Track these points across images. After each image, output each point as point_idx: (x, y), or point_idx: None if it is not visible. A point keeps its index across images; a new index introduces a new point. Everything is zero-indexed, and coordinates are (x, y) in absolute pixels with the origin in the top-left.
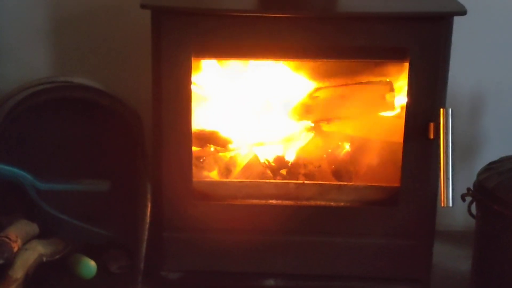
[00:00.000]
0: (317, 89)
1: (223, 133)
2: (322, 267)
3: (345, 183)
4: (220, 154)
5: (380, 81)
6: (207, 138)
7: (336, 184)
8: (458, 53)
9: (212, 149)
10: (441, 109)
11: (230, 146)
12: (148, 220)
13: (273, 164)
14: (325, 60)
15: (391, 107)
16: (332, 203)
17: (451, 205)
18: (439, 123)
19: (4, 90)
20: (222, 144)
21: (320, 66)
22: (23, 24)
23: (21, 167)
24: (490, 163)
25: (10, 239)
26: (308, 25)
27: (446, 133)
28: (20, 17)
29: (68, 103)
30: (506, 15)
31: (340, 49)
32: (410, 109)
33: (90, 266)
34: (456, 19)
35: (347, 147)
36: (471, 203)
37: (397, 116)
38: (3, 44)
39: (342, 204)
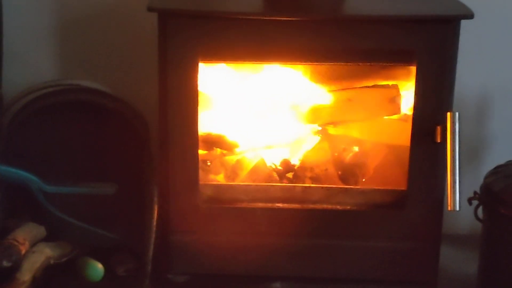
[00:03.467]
0: (323, 93)
1: (230, 136)
2: (328, 270)
3: (352, 186)
4: (227, 157)
5: (386, 84)
6: (214, 142)
7: (343, 188)
8: (465, 57)
9: (218, 152)
10: (448, 113)
11: (236, 149)
12: (154, 223)
13: (279, 167)
14: (331, 63)
15: (398, 110)
16: (338, 207)
17: (458, 209)
18: (446, 127)
19: (11, 93)
20: (228, 147)
21: (326, 69)
22: (29, 27)
23: (28, 170)
24: (497, 167)
25: (18, 241)
26: (315, 28)
27: (453, 137)
28: (26, 20)
29: (75, 106)
30: None
31: (346, 52)
32: (417, 112)
33: (97, 269)
34: (463, 22)
35: (353, 150)
36: (477, 206)
37: (404, 120)
38: (9, 47)
39: (349, 207)
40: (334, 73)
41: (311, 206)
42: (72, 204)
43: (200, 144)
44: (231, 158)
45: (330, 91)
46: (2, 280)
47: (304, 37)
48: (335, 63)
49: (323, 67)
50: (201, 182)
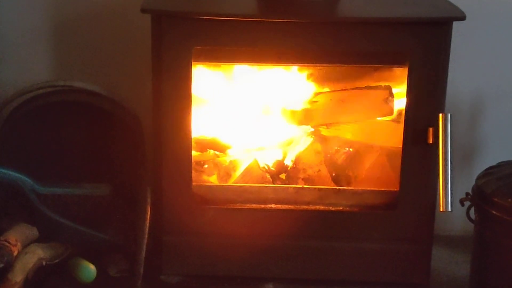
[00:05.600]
0: (316, 94)
1: (223, 139)
2: (321, 271)
3: (344, 187)
4: (220, 158)
5: (379, 86)
6: (207, 144)
7: (335, 189)
8: (457, 58)
9: (211, 153)
10: (440, 114)
11: (229, 151)
12: (147, 224)
13: (272, 168)
14: (325, 65)
15: (390, 112)
16: (331, 208)
17: (450, 210)
18: (438, 128)
19: (4, 94)
20: (221, 149)
21: (319, 71)
22: (23, 28)
23: (21, 171)
24: (488, 168)
25: (10, 243)
26: (308, 30)
27: (445, 138)
28: (20, 21)
29: (68, 107)
30: (505, 20)
31: (339, 54)
32: (409, 114)
33: (89, 270)
34: (455, 24)
35: (346, 151)
36: (469, 207)
37: (396, 121)
38: (2, 48)
39: (341, 208)
40: (327, 74)
41: (304, 207)
42: (64, 205)
43: (194, 145)
44: (224, 159)
45: (323, 92)
46: None
47: (298, 39)
48: (328, 65)
49: (316, 68)
50: (194, 183)
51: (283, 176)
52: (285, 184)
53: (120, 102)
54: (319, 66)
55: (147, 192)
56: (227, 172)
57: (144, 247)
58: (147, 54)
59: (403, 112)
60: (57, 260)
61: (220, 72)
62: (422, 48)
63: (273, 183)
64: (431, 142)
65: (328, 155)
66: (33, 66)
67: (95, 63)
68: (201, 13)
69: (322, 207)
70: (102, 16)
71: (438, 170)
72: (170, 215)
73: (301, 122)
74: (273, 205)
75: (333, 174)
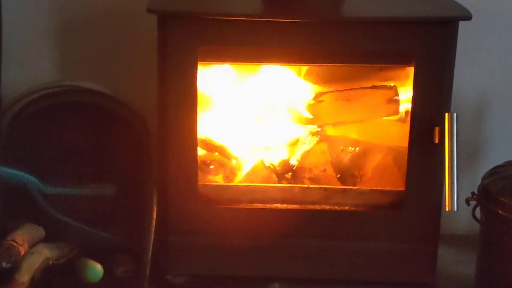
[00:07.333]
0: (322, 94)
1: (230, 147)
2: (326, 271)
3: (350, 187)
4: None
5: (384, 85)
6: (214, 148)
7: (341, 188)
8: (463, 58)
9: (217, 153)
10: (446, 114)
11: (235, 151)
12: (153, 224)
13: (278, 168)
14: (330, 64)
15: (396, 111)
16: (337, 207)
17: (456, 209)
18: (444, 128)
19: (10, 94)
20: (228, 157)
21: (325, 71)
22: (29, 28)
23: (27, 171)
24: (494, 167)
25: (17, 243)
26: (314, 29)
27: (451, 138)
28: (26, 21)
29: (74, 107)
30: (511, 20)
31: (345, 54)
32: (415, 113)
33: (96, 269)
34: (461, 23)
35: (352, 151)
36: (475, 207)
37: (402, 121)
38: (9, 49)
39: (347, 208)
40: (332, 74)
41: (310, 206)
42: (71, 205)
43: (200, 144)
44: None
45: (329, 92)
46: (1, 281)
47: (303, 38)
48: (334, 64)
49: (322, 68)
50: (200, 183)
51: (288, 175)
52: (290, 183)
53: (125, 102)
54: (325, 65)
55: (153, 192)
56: (232, 172)
57: (150, 247)
58: (153, 54)
59: (409, 111)
60: (63, 260)
61: (226, 72)
62: (428, 48)
63: (279, 183)
64: (437, 141)
65: (334, 155)
66: (39, 67)
67: (101, 64)
68: (207, 13)
69: (328, 207)
70: (108, 16)
71: (444, 170)
72: (176, 215)
73: (307, 122)
74: (278, 205)
75: (339, 174)
